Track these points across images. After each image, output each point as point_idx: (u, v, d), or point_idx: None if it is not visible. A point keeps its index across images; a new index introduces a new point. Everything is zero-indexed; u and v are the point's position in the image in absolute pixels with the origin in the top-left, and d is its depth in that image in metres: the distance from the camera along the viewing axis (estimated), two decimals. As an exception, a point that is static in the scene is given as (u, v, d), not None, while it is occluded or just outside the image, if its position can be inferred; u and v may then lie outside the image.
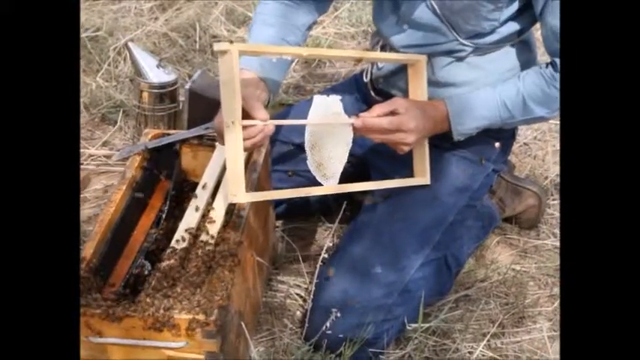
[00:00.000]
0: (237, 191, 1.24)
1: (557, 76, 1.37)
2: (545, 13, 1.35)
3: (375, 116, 1.36)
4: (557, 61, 1.37)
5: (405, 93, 1.51)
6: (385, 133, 1.37)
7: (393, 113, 1.37)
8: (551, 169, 2.04)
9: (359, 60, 1.48)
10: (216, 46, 1.20)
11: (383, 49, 1.54)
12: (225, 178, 1.37)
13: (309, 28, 1.56)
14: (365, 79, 1.63)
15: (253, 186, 1.43)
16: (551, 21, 1.35)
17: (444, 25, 1.38)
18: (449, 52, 1.44)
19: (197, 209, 1.39)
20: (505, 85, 1.42)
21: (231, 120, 1.20)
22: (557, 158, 2.09)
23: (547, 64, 1.41)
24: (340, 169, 1.38)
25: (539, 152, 2.14)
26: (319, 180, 1.35)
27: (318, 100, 1.39)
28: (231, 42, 1.20)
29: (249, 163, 1.45)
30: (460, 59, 1.44)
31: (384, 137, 1.38)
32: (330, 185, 1.36)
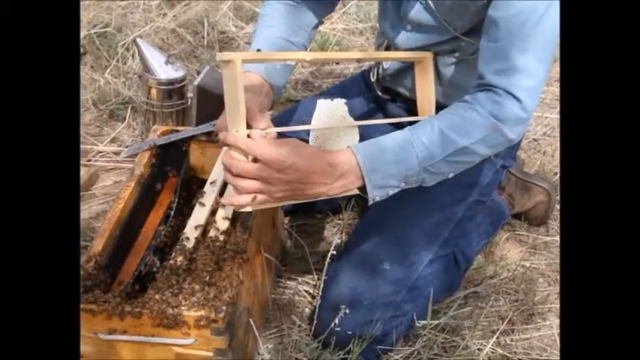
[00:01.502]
0: None
1: (479, 96, 1.24)
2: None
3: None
4: (486, 72, 1.25)
5: (412, 91, 1.50)
6: (249, 184, 1.15)
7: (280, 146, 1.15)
8: (561, 165, 2.03)
9: (360, 60, 1.47)
10: (219, 56, 1.16)
11: (388, 49, 1.53)
12: None
13: (315, 28, 1.54)
14: (372, 79, 1.63)
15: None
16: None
17: (442, 23, 1.37)
18: (452, 52, 1.42)
19: (205, 206, 1.39)
20: (417, 125, 1.25)
21: (236, 129, 1.19)
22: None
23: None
24: None
25: (549, 148, 2.13)
26: None
27: (322, 104, 1.38)
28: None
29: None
30: (463, 60, 1.42)
31: (244, 188, 1.15)
32: None
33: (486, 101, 1.23)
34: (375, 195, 1.22)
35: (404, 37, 1.45)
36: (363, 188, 1.21)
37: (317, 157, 1.17)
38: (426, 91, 1.45)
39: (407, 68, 1.51)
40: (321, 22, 1.56)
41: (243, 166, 1.15)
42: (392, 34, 1.48)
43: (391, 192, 1.24)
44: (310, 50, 2.56)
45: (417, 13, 1.39)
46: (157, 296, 1.19)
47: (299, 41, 1.48)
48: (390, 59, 1.53)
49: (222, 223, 1.34)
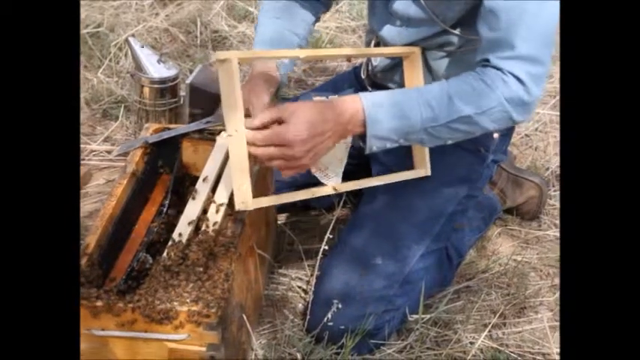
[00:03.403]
0: (246, 199, 1.25)
1: (489, 70, 1.27)
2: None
3: (256, 127, 1.21)
4: (491, 57, 1.28)
5: (401, 87, 1.51)
6: (271, 151, 1.20)
7: (279, 122, 1.21)
8: (552, 160, 2.05)
9: (350, 58, 1.49)
10: (216, 55, 1.20)
11: (377, 46, 1.54)
12: (226, 171, 1.39)
13: (313, 23, 1.58)
14: (362, 76, 1.64)
15: (254, 178, 1.43)
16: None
17: (430, 16, 1.38)
18: (441, 46, 1.43)
19: (198, 202, 1.40)
20: (428, 85, 1.32)
21: (234, 129, 1.21)
22: (559, 149, 2.10)
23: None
24: (341, 169, 1.38)
25: (541, 143, 2.14)
26: (321, 180, 1.36)
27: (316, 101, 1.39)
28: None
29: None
30: (452, 54, 1.43)
31: (266, 154, 1.21)
32: (331, 185, 1.37)
33: (496, 77, 1.26)
34: (372, 144, 1.26)
35: (393, 33, 1.46)
36: (363, 136, 1.26)
37: (326, 110, 1.22)
38: (414, 85, 1.46)
39: (396, 64, 1.52)
40: (318, 19, 1.59)
41: (264, 135, 1.20)
42: (381, 30, 1.48)
43: (389, 145, 1.28)
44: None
45: (406, 7, 1.40)
46: (149, 292, 1.20)
47: (301, 33, 1.51)
48: (379, 55, 1.54)
49: (214, 219, 1.35)
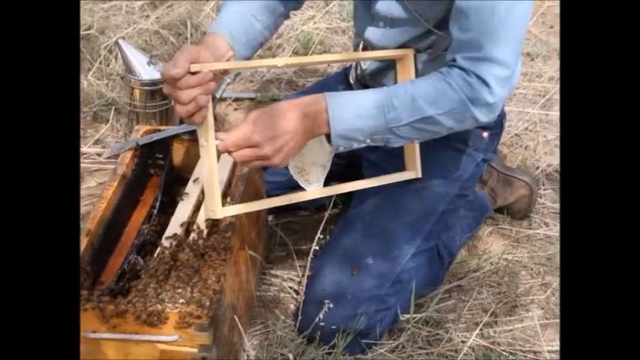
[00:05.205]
0: (214, 207, 1.25)
1: (454, 71, 1.28)
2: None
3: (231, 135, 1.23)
4: (457, 57, 1.29)
5: None
6: (244, 152, 1.22)
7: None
8: (543, 159, 2.06)
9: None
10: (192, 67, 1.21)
11: (365, 49, 1.53)
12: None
13: (281, 16, 1.50)
14: (351, 80, 1.64)
15: (244, 179, 1.44)
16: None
17: (413, 15, 1.38)
18: (427, 48, 1.43)
19: (189, 204, 1.40)
20: (394, 86, 1.34)
21: (205, 139, 1.23)
22: (548, 149, 2.11)
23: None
24: (324, 175, 1.38)
25: (531, 143, 2.15)
26: (302, 185, 1.36)
27: None
28: None
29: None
30: (438, 56, 1.43)
31: (240, 156, 1.23)
32: (313, 190, 1.37)
33: (459, 78, 1.27)
34: (338, 144, 1.28)
35: (378, 35, 1.45)
36: (330, 136, 1.27)
37: (290, 109, 1.24)
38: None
39: (385, 68, 1.51)
40: (287, 16, 1.52)
41: (234, 140, 1.21)
42: (366, 32, 1.48)
43: (356, 145, 1.30)
44: (294, 49, 2.59)
45: (388, 6, 1.40)
46: (140, 294, 1.20)
47: (264, 20, 1.44)
48: (372, 58, 1.52)
49: (205, 220, 1.35)
